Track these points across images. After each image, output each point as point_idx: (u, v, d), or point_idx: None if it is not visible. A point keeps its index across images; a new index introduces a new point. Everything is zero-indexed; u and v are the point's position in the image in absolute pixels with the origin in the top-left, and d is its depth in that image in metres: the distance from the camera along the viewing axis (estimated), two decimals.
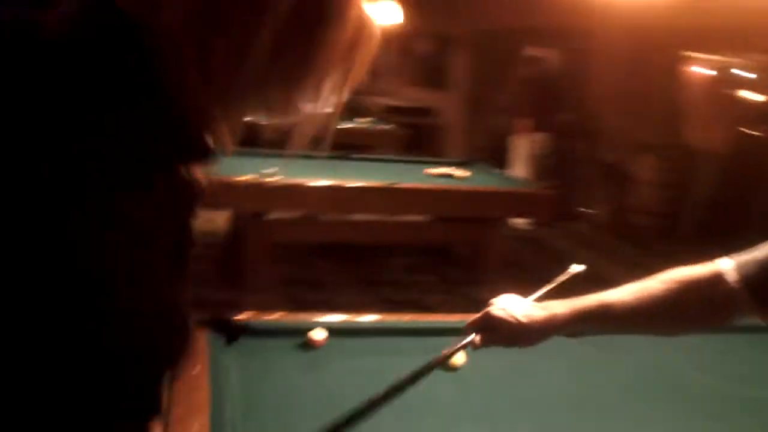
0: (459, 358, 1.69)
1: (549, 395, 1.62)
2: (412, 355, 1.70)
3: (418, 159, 5.29)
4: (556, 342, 1.81)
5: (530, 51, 6.95)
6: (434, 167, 4.70)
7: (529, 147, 6.46)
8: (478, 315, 1.26)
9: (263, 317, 1.83)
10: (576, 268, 1.43)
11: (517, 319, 1.18)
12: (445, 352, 1.32)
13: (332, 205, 4.16)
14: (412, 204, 4.08)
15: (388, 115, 9.21)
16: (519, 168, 6.51)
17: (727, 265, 1.02)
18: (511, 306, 1.22)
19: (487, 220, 4.34)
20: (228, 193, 3.83)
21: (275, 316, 1.85)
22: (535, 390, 1.64)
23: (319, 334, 1.71)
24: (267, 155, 4.70)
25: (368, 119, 7.78)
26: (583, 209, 6.99)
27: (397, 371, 1.64)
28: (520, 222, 6.40)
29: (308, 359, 1.65)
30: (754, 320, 1.01)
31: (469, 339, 1.27)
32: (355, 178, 4.07)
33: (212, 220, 5.71)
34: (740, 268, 1.01)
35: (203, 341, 1.61)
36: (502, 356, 1.75)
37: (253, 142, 5.49)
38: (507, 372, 1.71)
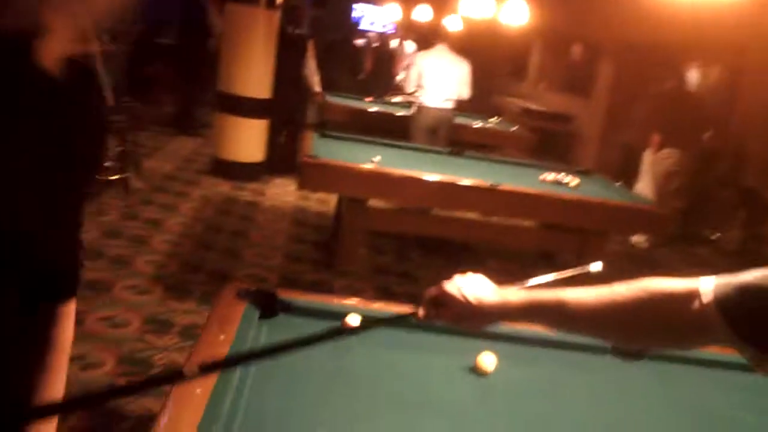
0: (489, 364, 1.63)
1: (575, 414, 1.52)
2: (441, 354, 1.68)
3: (535, 164, 5.13)
4: (608, 362, 1.72)
5: (672, 66, 6.53)
6: (550, 173, 4.55)
7: (661, 163, 6.07)
8: (434, 288, 1.23)
9: (306, 297, 1.85)
10: (594, 267, 1.34)
11: (466, 299, 1.16)
12: (386, 318, 1.45)
13: (433, 200, 4.13)
14: (512, 207, 3.96)
15: (521, 117, 9.02)
16: (646, 184, 6.15)
17: (707, 285, 0.91)
18: (466, 285, 1.18)
19: (593, 232, 4.13)
20: (336, 177, 3.91)
21: (318, 298, 1.87)
22: (564, 409, 1.55)
23: (354, 320, 1.70)
24: (377, 143, 4.79)
25: (497, 119, 7.68)
26: (710, 233, 6.52)
27: (421, 368, 1.62)
28: (640, 240, 6.06)
29: (337, 344, 1.64)
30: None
31: (413, 312, 1.26)
32: (461, 175, 4.02)
33: (325, 202, 5.89)
34: (718, 288, 0.90)
35: (238, 312, 1.66)
36: (537, 367, 1.68)
37: (364, 129, 5.65)
38: (538, 383, 1.62)
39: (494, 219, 4.65)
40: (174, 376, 1.14)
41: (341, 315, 1.71)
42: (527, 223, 4.63)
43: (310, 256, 4.64)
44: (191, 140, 7.82)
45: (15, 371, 1.03)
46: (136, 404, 2.59)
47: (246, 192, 6.13)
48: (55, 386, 1.09)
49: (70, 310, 1.12)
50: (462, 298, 1.16)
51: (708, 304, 0.90)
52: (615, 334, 1.09)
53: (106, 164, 5.34)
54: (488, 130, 7.22)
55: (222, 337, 1.51)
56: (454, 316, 1.19)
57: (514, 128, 7.42)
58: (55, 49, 0.91)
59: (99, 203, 5.01)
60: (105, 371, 2.84)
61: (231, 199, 5.87)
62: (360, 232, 4.22)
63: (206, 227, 4.98)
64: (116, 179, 5.28)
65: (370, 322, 1.43)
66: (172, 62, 8.74)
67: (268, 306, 1.74)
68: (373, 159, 4.07)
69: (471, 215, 4.41)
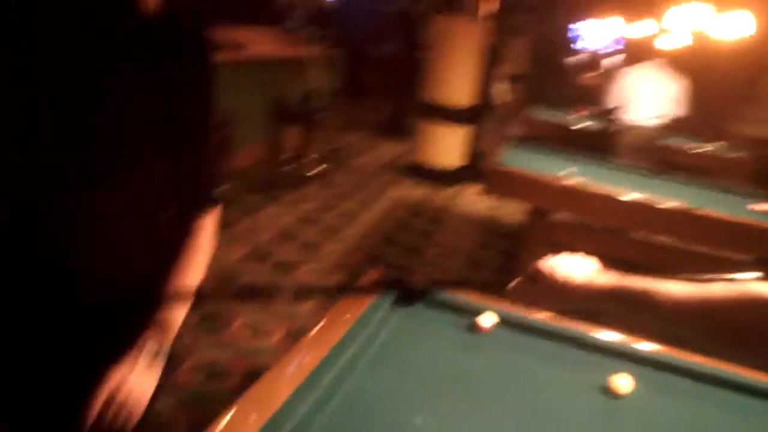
0: (625, 386, 1.51)
1: None
2: (575, 368, 1.57)
3: (749, 191, 4.61)
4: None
5: None
6: (764, 204, 4.07)
7: None
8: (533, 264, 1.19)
9: (445, 291, 1.84)
10: None
11: (553, 276, 1.13)
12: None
13: (623, 219, 3.89)
14: (711, 234, 3.59)
15: (746, 143, 8.16)
16: None
17: None
18: (562, 264, 1.14)
19: None
20: (522, 186, 3.85)
21: (458, 293, 1.85)
22: None
23: (486, 321, 1.67)
24: (574, 157, 4.62)
25: (721, 144, 7.02)
26: None
27: (549, 379, 1.54)
28: None
29: (464, 341, 1.62)
30: None
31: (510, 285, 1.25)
32: (661, 196, 3.74)
33: (520, 212, 5.80)
34: None
35: (367, 300, 1.69)
36: (680, 400, 1.51)
37: (558, 141, 5.47)
38: (676, 418, 1.46)
39: (696, 247, 4.25)
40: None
41: (477, 312, 1.69)
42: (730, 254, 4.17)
43: (492, 262, 4.61)
44: (399, 144, 8.13)
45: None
46: None
47: (441, 196, 6.24)
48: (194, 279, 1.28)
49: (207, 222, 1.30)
50: (550, 275, 1.14)
51: None
52: (701, 333, 0.96)
53: (313, 155, 5.76)
54: (705, 155, 6.62)
55: (347, 315, 1.56)
56: (539, 292, 1.16)
57: (736, 155, 6.72)
58: None
59: (301, 192, 5.42)
60: (273, 341, 3.07)
61: (424, 201, 6.01)
62: (541, 244, 4.09)
63: (395, 225, 5.16)
64: (320, 172, 5.67)
65: (451, 283, 1.37)
66: (388, 71, 9.16)
67: (405, 293, 1.76)
68: (564, 171, 3.94)
69: (667, 240, 4.08)
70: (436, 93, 6.50)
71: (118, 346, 1.16)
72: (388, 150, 7.93)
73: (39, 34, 0.99)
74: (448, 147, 6.62)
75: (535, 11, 13.68)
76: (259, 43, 6.17)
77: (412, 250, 4.61)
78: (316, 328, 1.47)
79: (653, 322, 1.02)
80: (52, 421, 1.23)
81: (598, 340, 1.65)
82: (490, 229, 5.48)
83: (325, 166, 5.76)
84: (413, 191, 6.28)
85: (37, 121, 1.02)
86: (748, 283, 0.87)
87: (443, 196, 6.24)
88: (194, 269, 1.29)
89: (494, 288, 1.52)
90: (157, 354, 1.19)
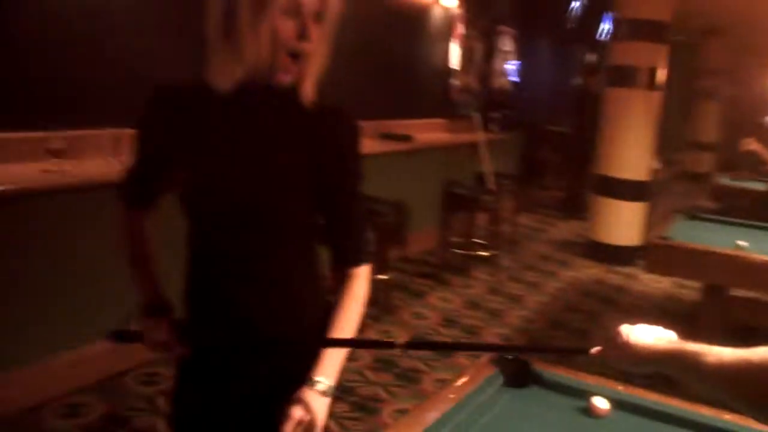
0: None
1: None
2: None
3: None
4: None
5: None
6: None
7: None
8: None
9: (561, 372, 1.81)
10: None
11: (626, 339, 1.21)
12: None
13: None
14: None
15: None
16: None
17: None
18: (638, 330, 1.22)
19: None
20: (688, 261, 3.63)
21: (572, 374, 1.80)
22: None
23: (601, 403, 1.62)
24: (744, 226, 4.25)
25: None
26: None
27: None
28: None
29: (576, 424, 1.58)
30: None
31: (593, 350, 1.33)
32: None
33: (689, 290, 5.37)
34: None
35: (482, 375, 1.72)
36: None
37: (729, 212, 5.10)
38: None
39: None
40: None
41: (590, 394, 1.65)
42: None
43: None
44: (577, 223, 7.94)
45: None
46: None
47: (617, 276, 5.96)
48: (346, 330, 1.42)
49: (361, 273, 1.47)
50: (624, 338, 1.22)
51: None
52: (739, 396, 0.94)
53: (476, 240, 5.83)
54: None
55: (452, 396, 1.59)
56: (611, 350, 1.25)
57: None
58: (308, 93, 1.34)
59: (468, 276, 5.48)
60: None
61: (599, 281, 5.78)
62: (718, 322, 3.76)
63: (564, 307, 5.01)
64: (486, 256, 5.71)
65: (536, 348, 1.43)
66: (562, 148, 9.08)
67: (518, 374, 1.76)
68: (739, 242, 3.64)
69: None
70: (612, 167, 6.35)
71: (291, 381, 1.33)
72: (563, 230, 7.78)
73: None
74: (623, 223, 6.36)
75: (726, 73, 12.89)
76: (429, 131, 6.51)
77: (579, 332, 4.44)
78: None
79: (698, 384, 1.01)
80: None
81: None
82: (667, 309, 5.12)
83: (493, 250, 5.80)
84: (588, 271, 6.08)
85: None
86: None
87: (621, 275, 5.96)
88: (354, 314, 1.44)
89: (578, 353, 1.51)
90: (327, 386, 1.33)
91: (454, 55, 7.15)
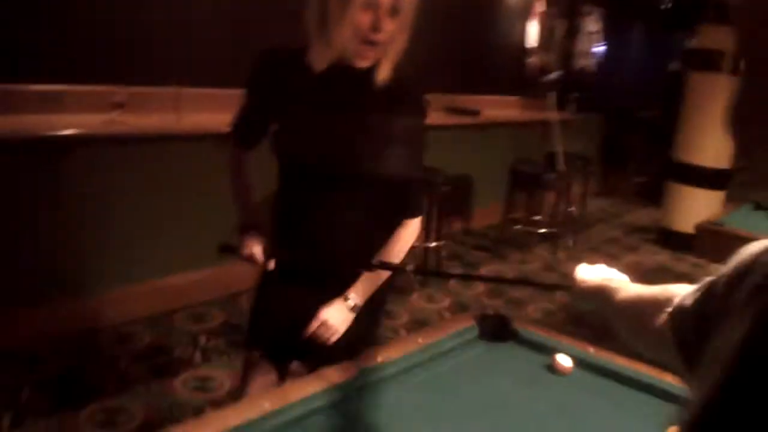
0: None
1: None
2: (639, 415, 1.51)
3: None
4: None
5: None
6: None
7: None
8: None
9: (539, 331, 1.89)
10: None
11: (574, 277, 1.30)
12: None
13: None
14: None
15: None
16: None
17: (679, 295, 0.80)
18: (587, 268, 1.30)
19: None
20: (732, 247, 3.54)
21: (548, 334, 1.88)
22: None
23: (564, 360, 1.69)
24: None
25: None
26: None
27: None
28: None
29: (534, 377, 1.66)
30: None
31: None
32: None
33: None
34: (684, 297, 0.78)
35: (460, 325, 1.83)
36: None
37: None
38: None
39: None
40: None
41: (558, 352, 1.72)
42: None
43: None
44: (655, 211, 7.71)
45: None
46: None
47: (684, 264, 5.80)
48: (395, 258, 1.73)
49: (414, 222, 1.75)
50: (574, 276, 1.31)
51: (667, 315, 0.79)
52: (621, 333, 1.01)
53: (537, 218, 5.82)
54: None
55: (420, 340, 1.72)
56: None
57: None
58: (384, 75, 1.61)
59: (526, 252, 5.51)
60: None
61: (663, 268, 5.65)
62: None
63: None
64: (549, 234, 5.70)
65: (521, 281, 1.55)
66: (648, 134, 8.79)
67: (496, 329, 1.86)
68: None
69: None
70: (689, 153, 6.15)
71: (333, 293, 1.69)
72: (639, 216, 7.59)
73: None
74: (697, 211, 6.14)
75: None
76: (502, 108, 6.51)
77: None
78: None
79: (613, 320, 1.07)
80: (288, 340, 1.76)
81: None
82: None
83: (555, 229, 5.78)
84: (654, 258, 5.95)
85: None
86: (673, 286, 0.88)
87: (689, 263, 5.80)
88: (397, 252, 1.72)
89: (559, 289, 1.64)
90: (355, 303, 1.68)
91: (533, 34, 7.07)
